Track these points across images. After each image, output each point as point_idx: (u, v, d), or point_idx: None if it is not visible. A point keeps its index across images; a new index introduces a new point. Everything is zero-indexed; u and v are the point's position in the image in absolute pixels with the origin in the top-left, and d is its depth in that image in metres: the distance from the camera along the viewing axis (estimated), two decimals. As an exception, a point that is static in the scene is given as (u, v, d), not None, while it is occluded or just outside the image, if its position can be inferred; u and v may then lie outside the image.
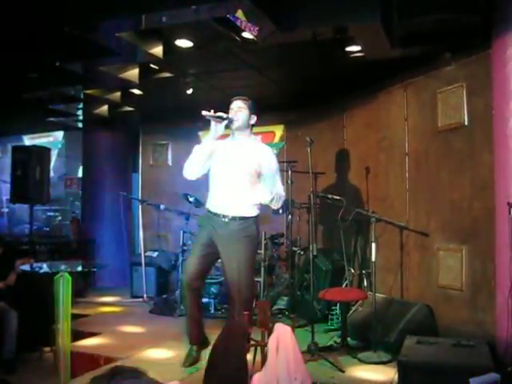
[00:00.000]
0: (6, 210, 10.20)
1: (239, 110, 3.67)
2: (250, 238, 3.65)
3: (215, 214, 3.66)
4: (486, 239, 4.02)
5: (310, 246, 4.41)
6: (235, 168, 3.61)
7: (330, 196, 5.33)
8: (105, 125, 7.81)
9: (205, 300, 5.36)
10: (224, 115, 3.58)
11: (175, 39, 4.58)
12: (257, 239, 3.80)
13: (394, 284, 5.05)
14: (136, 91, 6.17)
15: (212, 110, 3.52)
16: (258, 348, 3.37)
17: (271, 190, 3.51)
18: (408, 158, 5.11)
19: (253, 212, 3.67)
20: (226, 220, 3.60)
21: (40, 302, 4.79)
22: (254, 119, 3.76)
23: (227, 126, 3.64)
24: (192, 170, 3.70)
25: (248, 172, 3.61)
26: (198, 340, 3.87)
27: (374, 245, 4.40)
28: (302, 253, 5.89)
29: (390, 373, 3.75)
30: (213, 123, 3.57)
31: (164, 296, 6.10)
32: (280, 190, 3.63)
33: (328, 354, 4.11)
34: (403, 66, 4.87)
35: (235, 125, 3.64)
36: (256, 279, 5.86)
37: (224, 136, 3.79)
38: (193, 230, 5.80)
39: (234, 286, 3.64)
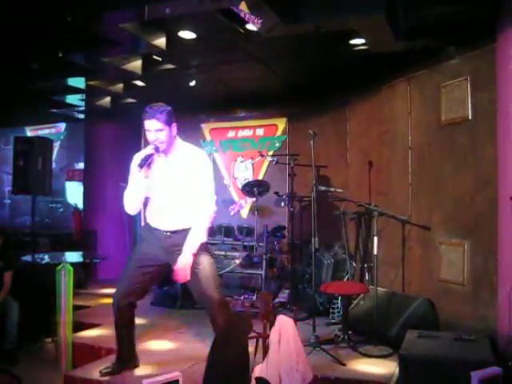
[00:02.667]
0: (8, 201, 10.21)
1: (158, 132, 3.28)
2: None
3: (155, 229, 3.56)
4: (489, 234, 4.01)
5: (312, 240, 4.41)
6: (169, 188, 3.43)
7: (332, 189, 5.33)
8: (107, 116, 7.80)
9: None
10: (150, 151, 3.31)
11: (178, 30, 4.57)
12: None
13: (396, 278, 5.05)
14: (139, 83, 6.15)
15: (138, 159, 3.31)
16: (260, 340, 3.37)
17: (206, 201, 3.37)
18: (411, 152, 5.09)
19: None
20: (168, 234, 3.50)
21: (41, 293, 4.80)
22: (175, 128, 3.37)
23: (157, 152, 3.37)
24: (132, 206, 3.58)
25: (181, 189, 3.40)
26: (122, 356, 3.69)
27: (375, 238, 4.41)
28: (303, 246, 5.89)
29: (390, 366, 3.76)
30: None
31: (165, 288, 6.10)
32: (206, 204, 3.39)
33: (329, 347, 4.12)
34: (407, 59, 4.85)
35: (161, 149, 3.36)
36: (258, 272, 5.90)
37: None
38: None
39: (204, 288, 3.44)
